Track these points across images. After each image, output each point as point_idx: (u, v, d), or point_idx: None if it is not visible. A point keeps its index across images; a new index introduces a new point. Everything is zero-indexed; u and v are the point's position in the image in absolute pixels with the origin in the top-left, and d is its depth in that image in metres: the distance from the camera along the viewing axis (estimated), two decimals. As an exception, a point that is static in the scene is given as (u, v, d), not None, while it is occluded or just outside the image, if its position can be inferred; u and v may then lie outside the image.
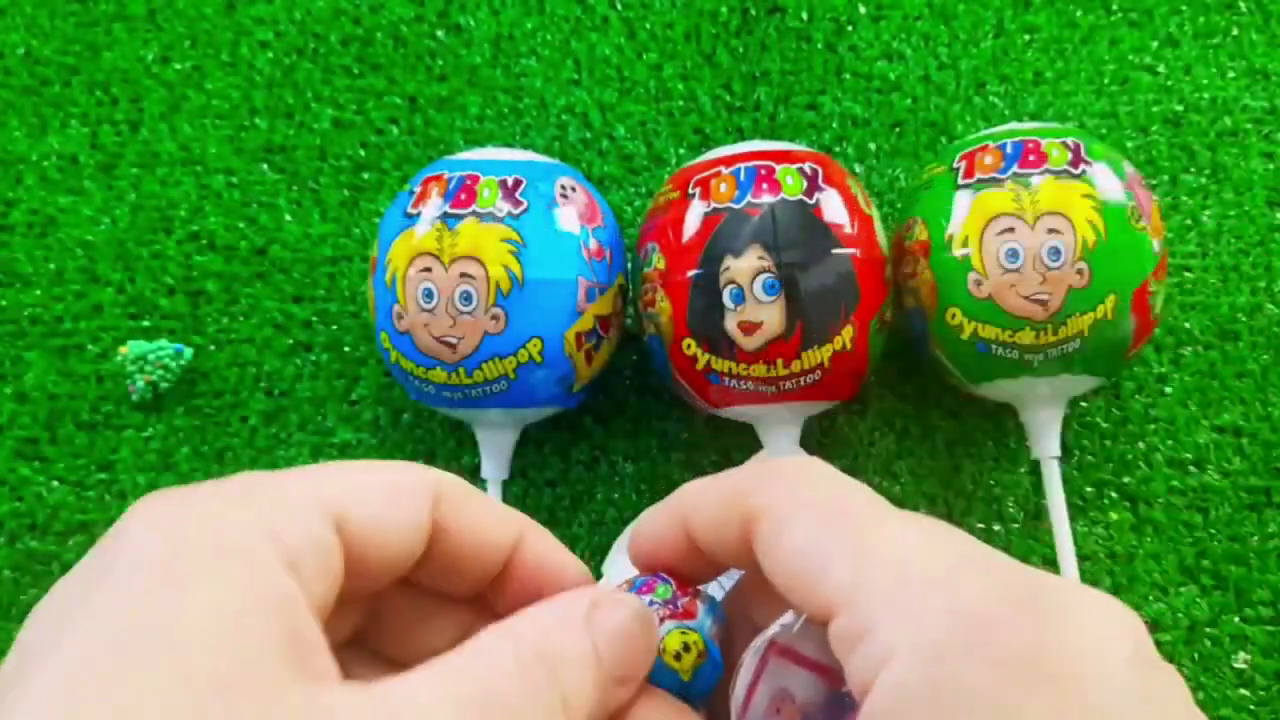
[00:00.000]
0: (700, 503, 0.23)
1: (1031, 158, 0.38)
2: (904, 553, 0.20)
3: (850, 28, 0.51)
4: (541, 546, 0.24)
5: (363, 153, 0.50)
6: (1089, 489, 0.44)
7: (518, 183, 0.39)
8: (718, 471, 0.25)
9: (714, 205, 0.38)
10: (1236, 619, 0.43)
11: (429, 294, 0.37)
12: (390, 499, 0.21)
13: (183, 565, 0.17)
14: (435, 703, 0.18)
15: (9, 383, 0.47)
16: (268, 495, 0.19)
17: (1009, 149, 0.39)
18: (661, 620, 0.24)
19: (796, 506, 0.21)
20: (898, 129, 0.50)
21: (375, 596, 0.24)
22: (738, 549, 0.22)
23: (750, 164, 0.39)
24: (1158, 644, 0.27)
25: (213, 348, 0.47)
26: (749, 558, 0.22)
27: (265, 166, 0.50)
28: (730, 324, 0.37)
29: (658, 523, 0.24)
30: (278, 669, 0.17)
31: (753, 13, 0.52)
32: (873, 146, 0.50)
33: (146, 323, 0.48)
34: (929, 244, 0.39)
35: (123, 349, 0.45)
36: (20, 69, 0.51)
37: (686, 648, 0.26)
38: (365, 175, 0.50)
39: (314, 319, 0.48)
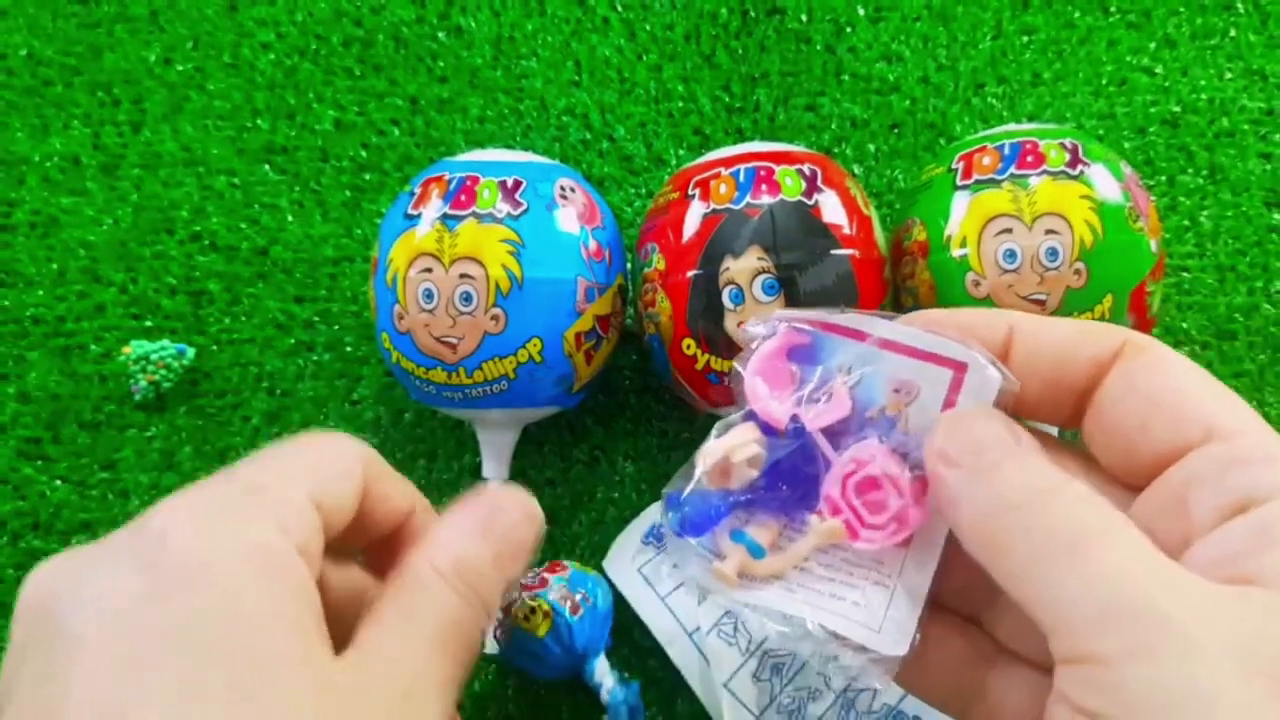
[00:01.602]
0: (1040, 323, 0.24)
1: (1029, 158, 0.38)
2: None
3: (849, 29, 0.52)
4: (428, 517, 0.28)
5: (364, 153, 0.50)
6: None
7: (517, 184, 0.39)
8: None
9: (714, 206, 0.38)
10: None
11: (429, 294, 0.37)
12: (343, 472, 0.25)
13: (225, 567, 0.20)
14: (407, 650, 0.22)
15: (12, 382, 0.47)
16: (272, 494, 0.22)
17: (1007, 150, 0.39)
18: (519, 593, 0.31)
19: (1178, 355, 0.22)
20: (896, 130, 0.50)
21: None
22: (1069, 370, 0.23)
23: (750, 165, 0.39)
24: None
25: (215, 348, 0.47)
26: (1069, 383, 0.23)
27: (267, 167, 0.50)
28: (730, 324, 0.38)
29: (980, 315, 0.24)
30: (313, 644, 0.20)
31: (752, 14, 0.52)
32: (871, 147, 0.50)
33: (149, 323, 0.48)
34: (927, 244, 0.39)
35: (125, 349, 0.46)
36: (23, 70, 0.52)
37: (534, 610, 0.36)
38: (366, 176, 0.50)
39: (315, 319, 0.48)
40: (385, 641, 0.22)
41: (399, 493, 0.27)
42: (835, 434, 0.24)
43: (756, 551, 0.23)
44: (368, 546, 0.28)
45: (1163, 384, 0.21)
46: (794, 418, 0.24)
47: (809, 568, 0.23)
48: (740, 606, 0.23)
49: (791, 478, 0.24)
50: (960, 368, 0.23)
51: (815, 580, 0.23)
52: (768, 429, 0.25)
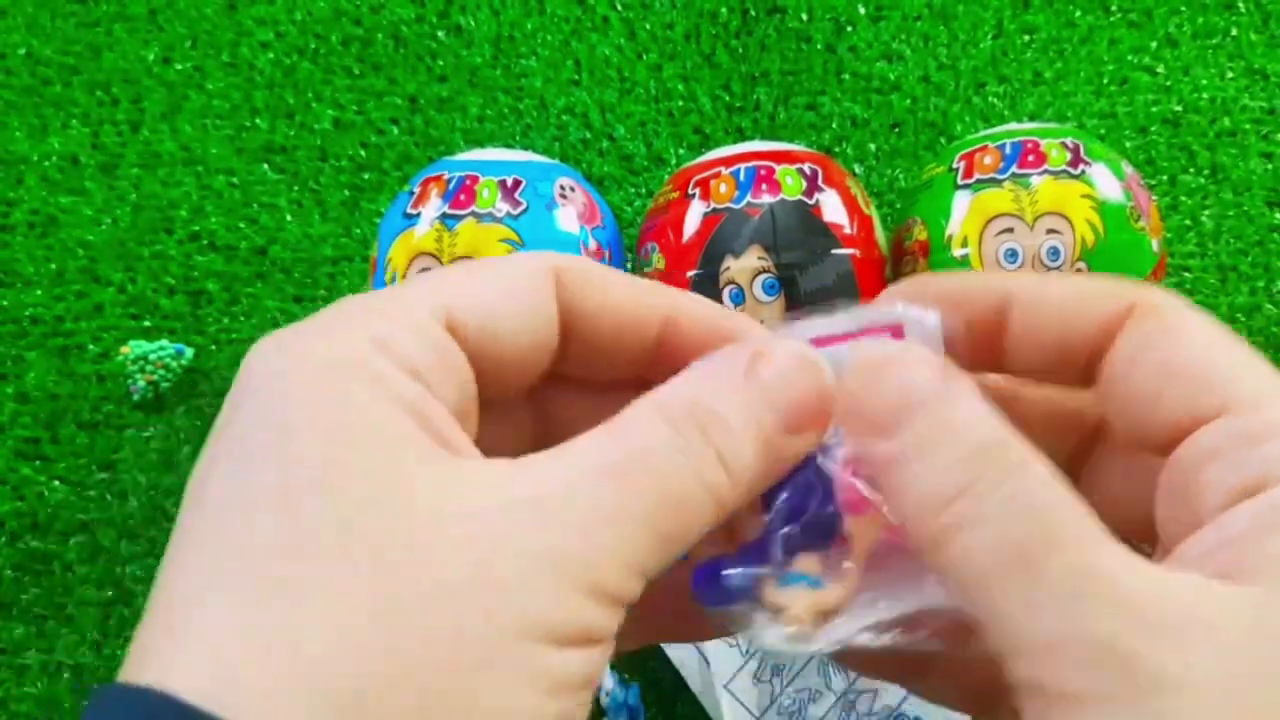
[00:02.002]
0: (1039, 285, 0.21)
1: (1031, 158, 0.38)
2: None
3: (850, 28, 0.51)
4: (700, 313, 0.21)
5: (363, 153, 0.50)
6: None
7: (517, 183, 0.39)
8: None
9: (714, 205, 0.38)
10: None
11: (429, 294, 0.37)
12: (504, 289, 0.20)
13: (298, 389, 0.17)
14: (574, 470, 0.17)
15: (10, 382, 0.47)
16: (372, 308, 0.18)
17: (1008, 149, 0.39)
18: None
19: (1194, 312, 0.20)
20: (897, 129, 0.50)
21: (539, 397, 0.22)
22: (1074, 336, 0.20)
23: (750, 164, 0.39)
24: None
25: (213, 347, 0.47)
26: (1075, 349, 0.21)
27: (266, 166, 0.50)
28: (730, 324, 0.37)
29: (972, 279, 0.22)
30: (408, 448, 0.16)
31: (753, 13, 0.52)
32: (872, 147, 0.50)
33: (147, 322, 0.48)
34: (928, 244, 0.39)
35: (124, 349, 0.45)
36: (21, 69, 0.52)
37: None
38: (366, 175, 0.50)
39: (314, 319, 0.48)
40: (546, 465, 0.17)
41: (627, 297, 0.21)
42: (820, 451, 0.22)
43: (816, 583, 0.21)
44: (652, 367, 0.22)
45: (1176, 350, 0.19)
46: None
47: (866, 577, 0.22)
48: (841, 647, 0.20)
49: (797, 513, 0.22)
50: (896, 330, 0.22)
51: (881, 581, 0.22)
52: None
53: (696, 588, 0.21)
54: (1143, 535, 0.20)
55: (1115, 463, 0.22)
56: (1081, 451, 0.22)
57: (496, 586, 0.16)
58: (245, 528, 0.16)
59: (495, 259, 0.20)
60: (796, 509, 0.22)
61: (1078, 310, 0.21)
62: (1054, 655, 0.16)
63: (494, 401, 0.20)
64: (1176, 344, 0.19)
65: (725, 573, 0.21)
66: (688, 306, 0.21)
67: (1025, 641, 0.16)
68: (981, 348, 0.22)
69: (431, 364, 0.18)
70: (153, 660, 0.15)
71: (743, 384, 0.19)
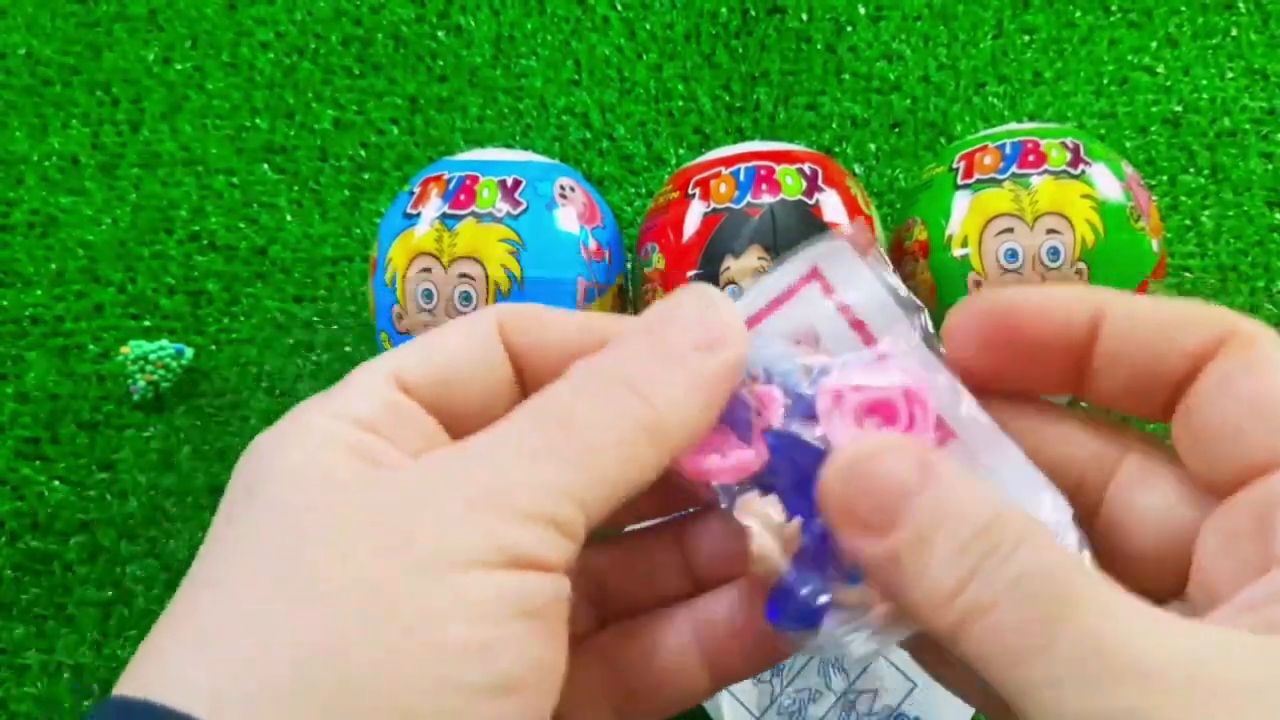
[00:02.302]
0: (1133, 305, 0.20)
1: (1031, 158, 0.38)
2: None
3: (850, 28, 0.51)
4: (627, 326, 0.22)
5: (363, 153, 0.50)
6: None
7: (517, 183, 0.39)
8: None
9: (714, 205, 0.38)
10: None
11: (429, 294, 0.37)
12: (446, 345, 0.21)
13: (265, 459, 0.19)
14: (506, 425, 0.19)
15: (10, 382, 0.47)
16: (329, 391, 0.20)
17: (1008, 149, 0.39)
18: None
19: None
20: (897, 129, 0.50)
21: None
22: (1164, 361, 0.20)
23: (750, 164, 0.39)
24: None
25: (213, 347, 0.47)
26: (1162, 375, 0.20)
27: (266, 166, 0.50)
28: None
29: (1063, 294, 0.20)
30: (350, 473, 0.18)
31: (753, 13, 0.52)
32: (872, 147, 0.50)
33: (147, 322, 0.48)
34: (928, 244, 0.39)
35: (124, 349, 0.45)
36: (21, 69, 0.52)
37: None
38: (366, 175, 0.50)
39: (315, 319, 0.48)
40: (481, 432, 0.19)
41: (568, 330, 0.22)
42: (800, 427, 0.21)
43: (854, 579, 0.20)
44: None
45: (1267, 385, 0.18)
46: (768, 438, 0.21)
47: None
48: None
49: (802, 481, 0.21)
50: (815, 274, 0.21)
51: None
52: (762, 484, 0.21)
53: (774, 619, 0.20)
54: (1158, 573, 0.20)
55: (1135, 500, 0.21)
56: (1100, 484, 0.22)
57: (411, 530, 0.17)
58: (221, 561, 0.18)
59: (444, 326, 0.22)
60: (798, 479, 0.21)
61: (1171, 334, 0.20)
62: None
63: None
64: (1269, 379, 0.19)
65: (802, 593, 0.20)
66: (618, 329, 0.22)
67: (1052, 718, 0.16)
68: (1062, 368, 0.21)
69: (379, 415, 0.20)
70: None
71: (647, 334, 0.20)
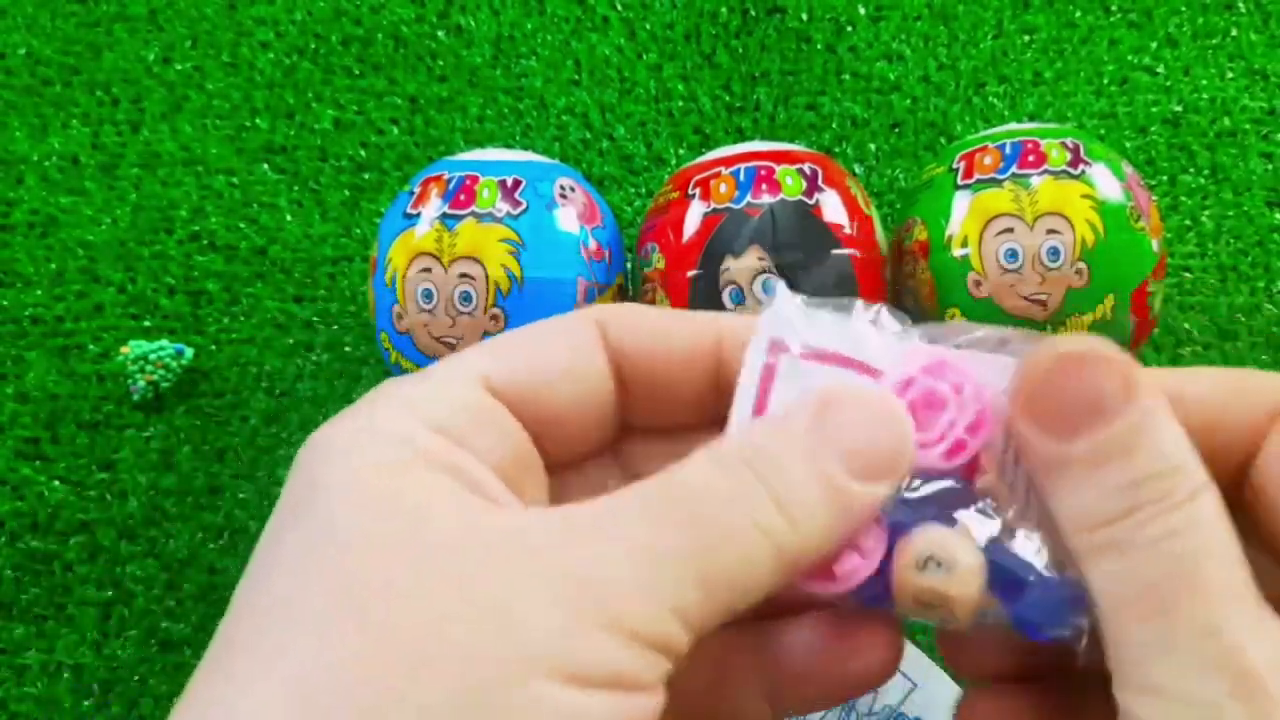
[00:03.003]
0: (1184, 378, 0.19)
1: (1031, 158, 0.38)
2: None
3: (850, 28, 0.51)
4: (745, 331, 0.20)
5: (363, 153, 0.50)
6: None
7: (517, 183, 0.39)
8: None
9: (714, 205, 0.38)
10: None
11: (429, 294, 0.37)
12: (540, 347, 0.20)
13: (318, 452, 0.18)
14: (606, 503, 0.17)
15: (10, 382, 0.47)
16: (406, 382, 0.19)
17: (1008, 149, 0.39)
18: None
19: None
20: (897, 129, 0.50)
21: (624, 456, 0.22)
22: (1219, 433, 0.19)
23: (750, 164, 0.39)
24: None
25: (213, 347, 0.47)
26: (1232, 453, 0.19)
27: (266, 166, 0.50)
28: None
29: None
30: (432, 495, 0.17)
31: (753, 13, 0.52)
32: (872, 147, 0.50)
33: (147, 322, 0.48)
34: (928, 244, 0.39)
35: (124, 349, 0.45)
36: (22, 69, 0.52)
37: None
38: (366, 175, 0.50)
39: (315, 319, 0.48)
40: (581, 503, 0.17)
41: (677, 331, 0.20)
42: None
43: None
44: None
45: None
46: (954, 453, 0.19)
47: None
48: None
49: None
50: (776, 347, 0.20)
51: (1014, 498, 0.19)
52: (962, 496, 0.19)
53: (1035, 636, 0.19)
54: None
55: None
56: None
57: (505, 615, 0.15)
58: (274, 585, 0.16)
59: (537, 322, 0.20)
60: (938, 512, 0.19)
61: (1224, 404, 0.19)
62: (1160, 700, 0.16)
63: (575, 462, 0.20)
64: None
65: (1040, 594, 0.18)
66: (731, 326, 0.20)
67: (1137, 678, 0.16)
68: None
69: (463, 423, 0.18)
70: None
71: (805, 429, 0.18)
